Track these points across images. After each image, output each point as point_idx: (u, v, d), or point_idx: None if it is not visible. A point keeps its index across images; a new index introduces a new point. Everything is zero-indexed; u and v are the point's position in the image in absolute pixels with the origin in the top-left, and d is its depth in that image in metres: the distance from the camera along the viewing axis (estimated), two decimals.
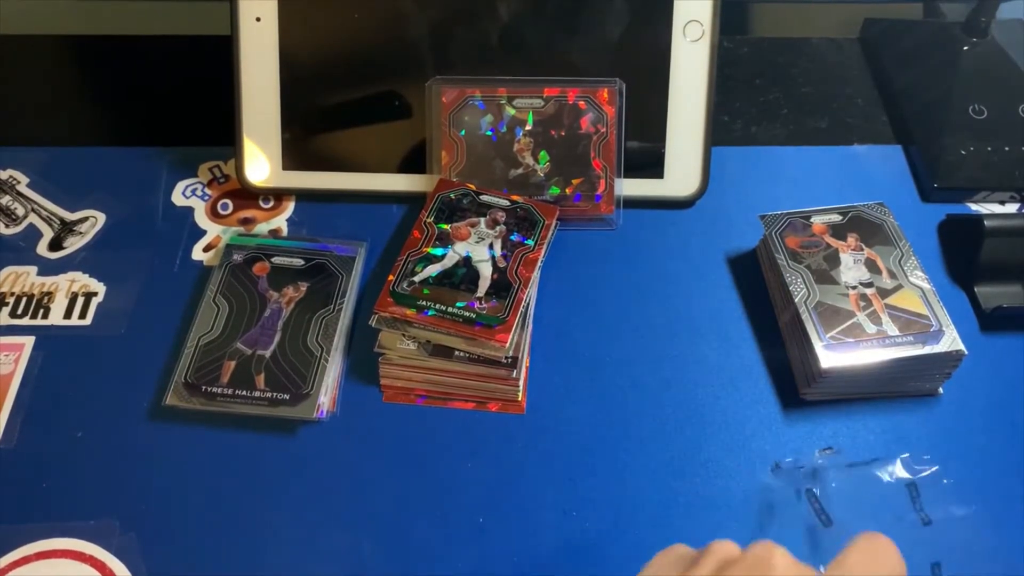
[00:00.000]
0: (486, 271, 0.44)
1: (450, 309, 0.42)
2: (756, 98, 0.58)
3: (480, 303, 0.42)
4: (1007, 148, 0.52)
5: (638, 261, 0.49)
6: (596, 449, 0.42)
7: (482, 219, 0.46)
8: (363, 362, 0.44)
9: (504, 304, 0.42)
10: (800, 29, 0.64)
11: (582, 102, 0.48)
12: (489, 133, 0.49)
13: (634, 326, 0.47)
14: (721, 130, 0.56)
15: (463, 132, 0.49)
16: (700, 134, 0.50)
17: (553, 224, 0.47)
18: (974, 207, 0.52)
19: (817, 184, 0.53)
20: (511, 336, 0.41)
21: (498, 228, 0.46)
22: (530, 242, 0.45)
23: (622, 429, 0.43)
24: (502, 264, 0.44)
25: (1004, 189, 0.52)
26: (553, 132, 0.49)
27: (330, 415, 0.43)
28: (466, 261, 0.44)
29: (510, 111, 0.49)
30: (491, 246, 0.45)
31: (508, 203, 0.46)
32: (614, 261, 0.49)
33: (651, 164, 0.50)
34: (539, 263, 0.45)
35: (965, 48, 0.57)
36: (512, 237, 0.46)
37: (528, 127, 0.49)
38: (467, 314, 0.42)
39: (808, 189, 0.53)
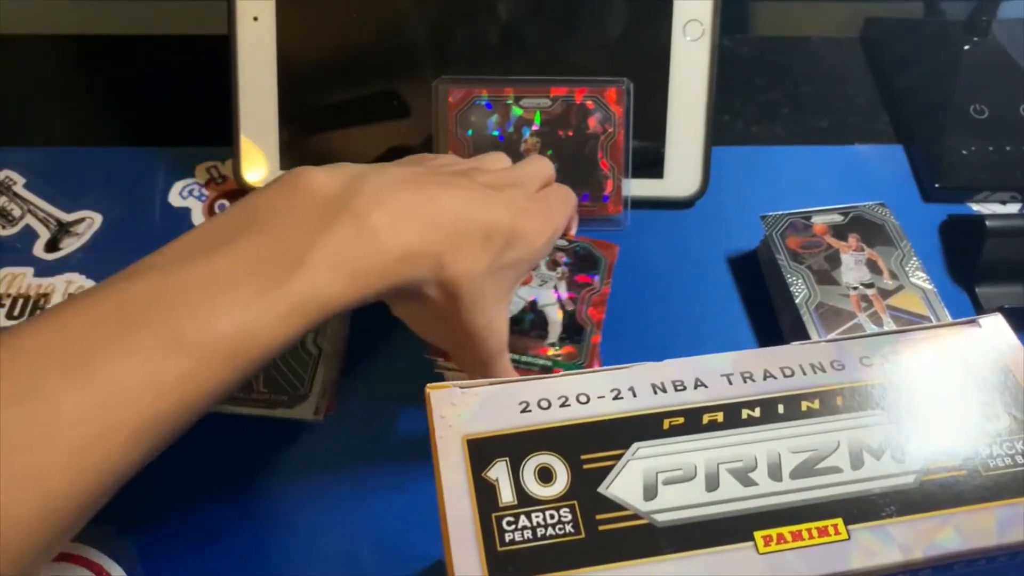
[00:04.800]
0: (554, 315, 0.42)
1: (524, 358, 0.41)
2: (756, 98, 0.58)
3: (554, 349, 0.41)
4: (1008, 148, 0.52)
5: (638, 261, 0.49)
6: None
7: (542, 260, 0.44)
8: (362, 362, 0.44)
9: (580, 348, 0.41)
10: (800, 28, 0.64)
11: (589, 102, 0.48)
12: (496, 133, 0.49)
13: (634, 326, 0.46)
14: (721, 130, 0.55)
15: (470, 132, 0.49)
16: (700, 134, 0.50)
17: (615, 261, 0.45)
18: (975, 207, 0.52)
19: (818, 184, 0.53)
20: None
21: (559, 270, 0.44)
22: (595, 281, 0.44)
23: None
24: (570, 307, 0.43)
25: (1006, 189, 0.51)
26: (560, 132, 0.48)
27: (328, 416, 0.42)
28: (532, 306, 0.43)
29: (517, 111, 0.49)
30: (555, 288, 0.44)
31: (566, 243, 0.45)
32: (615, 265, 0.49)
33: (651, 164, 0.50)
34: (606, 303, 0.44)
35: (966, 47, 0.56)
36: (575, 277, 0.44)
37: (535, 127, 0.49)
38: (543, 362, 0.41)
39: (809, 189, 0.52)
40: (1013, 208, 0.52)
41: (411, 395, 0.43)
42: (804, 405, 0.27)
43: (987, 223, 0.47)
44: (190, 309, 0.27)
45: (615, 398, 0.27)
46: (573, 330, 0.42)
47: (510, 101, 0.49)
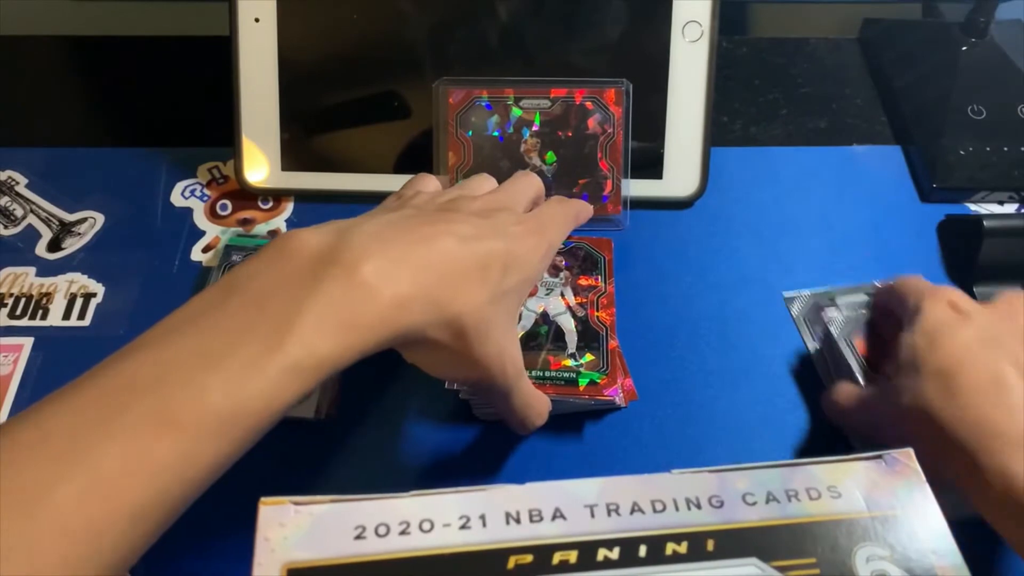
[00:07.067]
0: (568, 324, 0.42)
1: (548, 373, 0.40)
2: (755, 98, 0.58)
3: (576, 359, 0.41)
4: (1006, 148, 0.52)
5: (637, 261, 0.49)
6: (594, 451, 0.42)
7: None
8: (364, 362, 0.44)
9: (599, 356, 0.41)
10: (799, 29, 0.64)
11: (589, 103, 0.48)
12: (496, 134, 0.49)
13: (633, 327, 0.46)
14: (720, 130, 0.56)
15: (470, 133, 0.49)
16: (699, 134, 0.50)
17: (612, 257, 0.45)
18: (973, 207, 0.52)
19: (816, 185, 0.53)
20: (619, 386, 0.40)
21: (562, 275, 0.44)
22: (599, 282, 0.44)
23: (621, 430, 0.43)
24: (580, 313, 0.42)
25: (1003, 189, 0.52)
26: (560, 133, 0.49)
27: (329, 416, 0.43)
28: (544, 318, 0.42)
29: (517, 112, 0.49)
30: (563, 294, 0.43)
31: (563, 244, 0.44)
32: (613, 261, 0.49)
33: (650, 164, 0.50)
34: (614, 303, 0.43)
35: (964, 48, 0.57)
36: (578, 280, 0.44)
37: (535, 128, 0.49)
38: (567, 375, 0.40)
39: (807, 190, 0.53)
40: (1010, 208, 0.52)
41: (413, 395, 0.44)
42: (670, 548, 0.23)
43: (984, 223, 0.47)
44: (178, 386, 0.26)
45: (462, 527, 0.24)
46: (590, 336, 0.41)
47: (510, 102, 0.49)
